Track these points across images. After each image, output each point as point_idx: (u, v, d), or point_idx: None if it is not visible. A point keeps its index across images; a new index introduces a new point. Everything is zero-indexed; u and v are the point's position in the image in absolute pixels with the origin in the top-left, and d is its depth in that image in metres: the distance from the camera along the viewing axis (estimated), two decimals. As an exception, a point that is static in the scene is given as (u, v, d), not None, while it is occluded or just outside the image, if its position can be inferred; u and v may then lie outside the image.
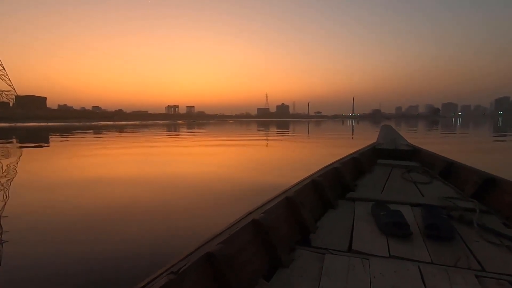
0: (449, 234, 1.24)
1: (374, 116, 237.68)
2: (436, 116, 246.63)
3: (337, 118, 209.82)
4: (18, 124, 39.96)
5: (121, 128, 24.23)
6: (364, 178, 2.45)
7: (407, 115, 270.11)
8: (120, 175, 4.07)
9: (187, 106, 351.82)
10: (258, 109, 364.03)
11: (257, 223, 1.07)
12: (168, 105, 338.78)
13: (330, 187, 1.78)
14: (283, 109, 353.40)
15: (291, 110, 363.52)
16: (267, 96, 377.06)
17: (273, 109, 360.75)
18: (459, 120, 63.24)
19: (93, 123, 46.42)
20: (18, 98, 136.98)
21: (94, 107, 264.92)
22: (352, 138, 11.31)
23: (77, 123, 46.19)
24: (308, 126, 27.44)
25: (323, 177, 1.81)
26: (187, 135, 14.60)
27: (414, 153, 3.22)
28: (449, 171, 2.38)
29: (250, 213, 1.13)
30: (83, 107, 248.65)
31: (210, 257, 0.84)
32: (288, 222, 1.29)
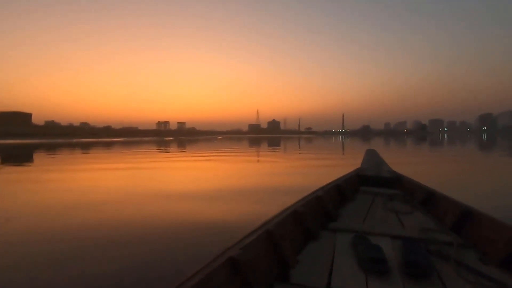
0: (427, 272, 1.24)
1: (364, 132, 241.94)
2: (424, 132, 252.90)
3: (327, 134, 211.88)
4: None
5: (106, 146, 23.07)
6: (346, 206, 2.43)
7: (396, 131, 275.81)
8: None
9: (178, 122, 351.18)
10: (249, 125, 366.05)
11: (234, 260, 1.03)
12: (159, 121, 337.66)
13: (312, 217, 1.75)
14: (274, 125, 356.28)
15: (282, 126, 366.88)
16: (258, 112, 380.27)
17: (264, 125, 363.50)
18: (446, 136, 64.37)
19: (74, 140, 44.68)
20: (1, 114, 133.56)
21: (82, 123, 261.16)
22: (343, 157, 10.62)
23: (60, 140, 44.53)
24: (299, 143, 26.90)
25: (305, 206, 1.77)
26: (162, 157, 13.70)
27: (396, 181, 3.19)
28: (429, 200, 2.36)
29: (228, 249, 1.09)
30: (71, 123, 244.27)
31: None
32: (267, 258, 1.25)
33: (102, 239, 2.41)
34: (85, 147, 21.23)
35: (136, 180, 5.72)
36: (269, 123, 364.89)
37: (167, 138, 55.20)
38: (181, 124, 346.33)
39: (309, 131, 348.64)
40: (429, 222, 1.99)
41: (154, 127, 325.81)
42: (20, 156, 13.41)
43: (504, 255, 1.33)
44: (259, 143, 26.69)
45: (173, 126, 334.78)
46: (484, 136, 47.75)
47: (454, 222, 1.77)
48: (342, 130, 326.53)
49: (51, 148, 20.10)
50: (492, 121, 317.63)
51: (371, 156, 3.85)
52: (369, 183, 3.27)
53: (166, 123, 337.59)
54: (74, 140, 44.73)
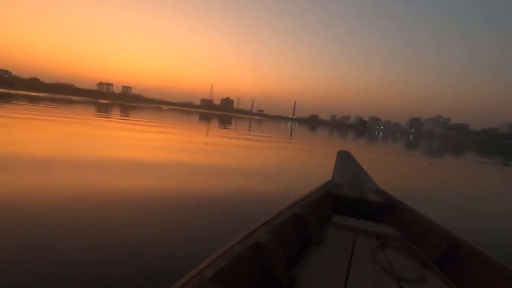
0: None
1: (312, 121, 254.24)
2: (364, 127, 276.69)
3: (278, 118, 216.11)
4: None
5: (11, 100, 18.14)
6: (308, 258, 1.33)
7: (340, 124, 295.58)
8: None
9: (123, 86, 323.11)
10: (202, 100, 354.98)
11: None
12: (101, 82, 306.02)
13: None
14: (227, 102, 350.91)
15: (235, 105, 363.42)
16: (212, 87, 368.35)
17: (217, 102, 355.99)
18: (381, 133, 70.73)
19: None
20: None
21: (1, 70, 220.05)
22: (287, 146, 9.38)
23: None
24: (250, 124, 25.50)
25: (223, 271, 0.83)
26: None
27: (389, 209, 2.03)
28: (451, 255, 1.39)
29: None
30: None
31: None
32: None
33: None
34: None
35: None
36: (222, 100, 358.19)
37: (101, 101, 47.72)
38: (126, 88, 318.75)
39: (261, 113, 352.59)
40: None
41: (94, 87, 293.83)
42: None
43: None
44: (209, 120, 24.38)
45: (117, 90, 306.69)
46: (411, 138, 52.94)
47: None
48: (292, 117, 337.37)
49: None
50: (419, 125, 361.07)
51: (347, 164, 2.56)
52: (346, 210, 2.12)
53: (109, 85, 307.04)
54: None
